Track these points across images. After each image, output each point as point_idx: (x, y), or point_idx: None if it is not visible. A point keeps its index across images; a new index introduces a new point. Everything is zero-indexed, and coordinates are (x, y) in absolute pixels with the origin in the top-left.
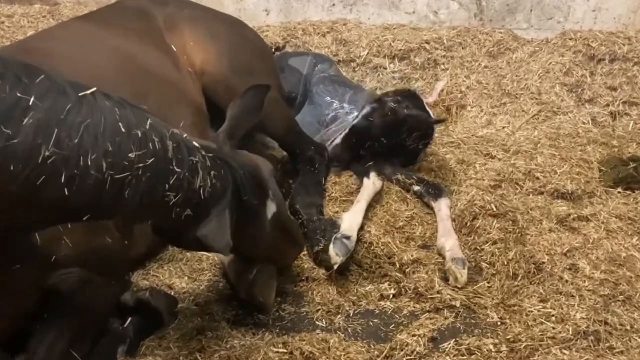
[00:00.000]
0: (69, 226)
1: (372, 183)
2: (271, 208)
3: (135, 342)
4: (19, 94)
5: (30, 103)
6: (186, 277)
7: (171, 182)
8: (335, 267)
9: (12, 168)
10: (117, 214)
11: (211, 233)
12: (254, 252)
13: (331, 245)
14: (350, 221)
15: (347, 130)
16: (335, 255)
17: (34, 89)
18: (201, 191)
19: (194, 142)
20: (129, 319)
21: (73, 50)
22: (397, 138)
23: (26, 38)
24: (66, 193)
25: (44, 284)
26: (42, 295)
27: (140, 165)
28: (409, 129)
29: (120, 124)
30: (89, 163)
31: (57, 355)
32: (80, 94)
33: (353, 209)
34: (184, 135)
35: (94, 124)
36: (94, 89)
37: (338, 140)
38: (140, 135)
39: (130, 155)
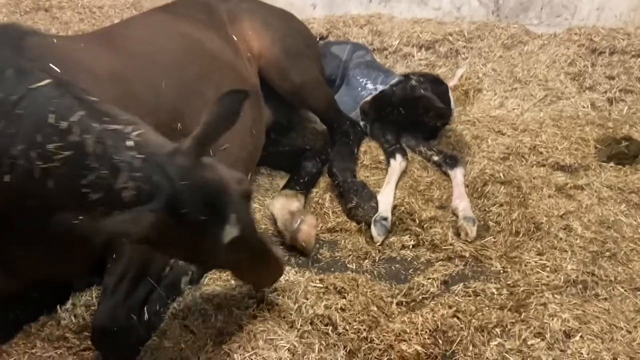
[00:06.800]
0: None
1: (398, 164)
2: (231, 232)
3: (197, 274)
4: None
5: None
6: None
7: (88, 177)
8: (378, 244)
9: None
10: (59, 204)
11: (120, 220)
12: (214, 266)
13: (372, 227)
14: (385, 203)
15: (376, 92)
16: (377, 235)
17: None
18: (122, 194)
19: (132, 142)
20: None
21: (149, 35)
22: (413, 112)
23: (111, 25)
24: (6, 180)
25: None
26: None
27: (59, 156)
28: (423, 107)
29: (50, 115)
30: (18, 152)
31: (130, 279)
32: (29, 87)
33: (385, 190)
34: (133, 133)
35: (29, 115)
36: (46, 81)
37: (369, 99)
38: (64, 127)
39: (49, 146)
